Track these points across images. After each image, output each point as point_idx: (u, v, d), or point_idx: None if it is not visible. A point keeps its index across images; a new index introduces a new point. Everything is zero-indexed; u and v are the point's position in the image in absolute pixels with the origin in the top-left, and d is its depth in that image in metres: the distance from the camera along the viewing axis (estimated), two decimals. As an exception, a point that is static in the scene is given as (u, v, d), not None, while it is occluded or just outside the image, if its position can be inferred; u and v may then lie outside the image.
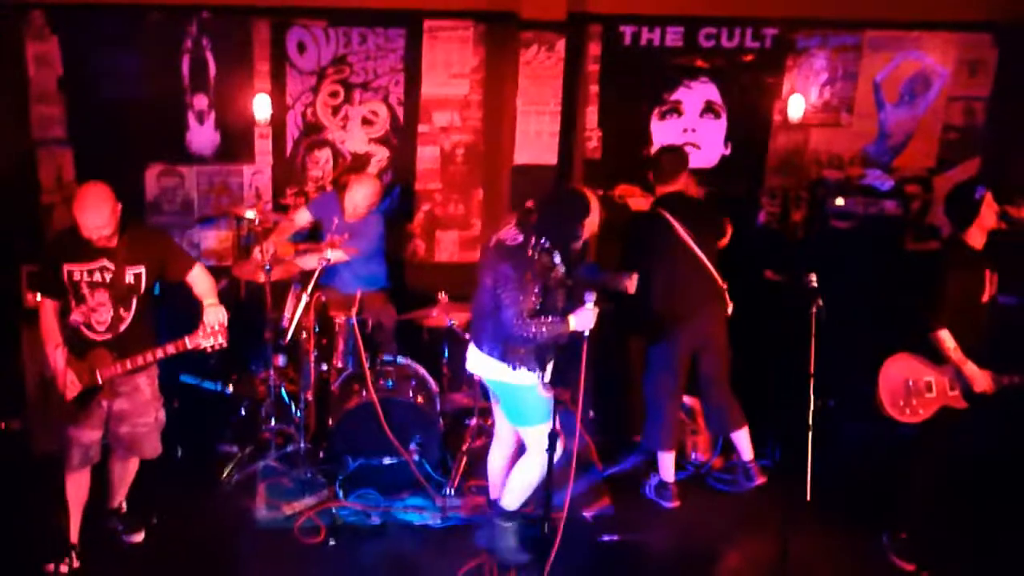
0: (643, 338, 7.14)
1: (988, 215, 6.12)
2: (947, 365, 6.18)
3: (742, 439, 7.15)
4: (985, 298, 6.19)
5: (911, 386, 6.30)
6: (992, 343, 6.27)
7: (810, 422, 5.95)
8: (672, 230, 6.77)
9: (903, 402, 6.30)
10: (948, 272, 6.14)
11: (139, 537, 6.36)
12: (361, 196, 7.41)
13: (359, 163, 8.28)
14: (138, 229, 5.92)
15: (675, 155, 7.01)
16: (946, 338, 6.12)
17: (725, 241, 7.04)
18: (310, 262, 7.03)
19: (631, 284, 6.60)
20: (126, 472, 6.29)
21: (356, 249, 7.25)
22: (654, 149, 8.45)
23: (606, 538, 6.73)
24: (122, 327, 5.84)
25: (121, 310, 5.81)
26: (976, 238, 6.16)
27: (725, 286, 6.86)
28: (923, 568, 6.50)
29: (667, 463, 7.12)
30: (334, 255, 7.02)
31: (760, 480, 7.18)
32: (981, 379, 6.14)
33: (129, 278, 5.79)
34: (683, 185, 6.95)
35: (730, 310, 6.89)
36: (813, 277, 6.22)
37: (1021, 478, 7.08)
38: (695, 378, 7.11)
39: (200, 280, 6.07)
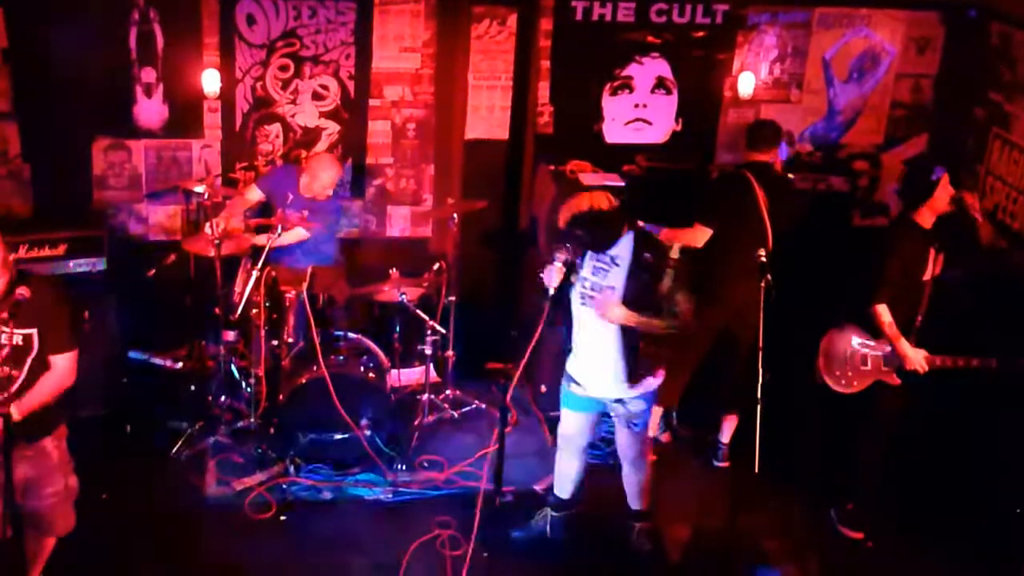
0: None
1: (942, 198, 6.17)
2: (885, 341, 6.26)
3: (729, 424, 7.27)
4: (927, 276, 6.27)
5: (848, 358, 6.39)
6: (933, 322, 6.35)
7: (759, 395, 6.01)
8: (754, 194, 6.80)
9: (839, 372, 6.41)
10: (893, 249, 6.22)
11: None
12: (328, 178, 7.38)
13: (310, 138, 8.23)
14: (38, 287, 4.99)
15: (772, 127, 7.07)
16: (883, 312, 6.20)
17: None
18: (270, 240, 6.95)
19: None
20: (40, 549, 5.53)
21: (319, 224, 7.22)
22: (604, 124, 8.50)
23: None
24: (13, 388, 5.01)
25: (12, 370, 5.00)
26: (926, 218, 6.23)
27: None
28: (869, 538, 6.61)
29: (653, 419, 7.20)
30: (291, 235, 7.02)
31: (725, 463, 7.26)
32: (914, 357, 6.21)
33: (17, 339, 4.97)
34: (771, 158, 7.00)
35: None
36: (762, 252, 6.28)
37: (960, 450, 7.18)
38: (721, 350, 7.12)
39: (55, 374, 5.09)
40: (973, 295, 7.22)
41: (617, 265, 5.78)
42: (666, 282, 5.68)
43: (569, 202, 5.77)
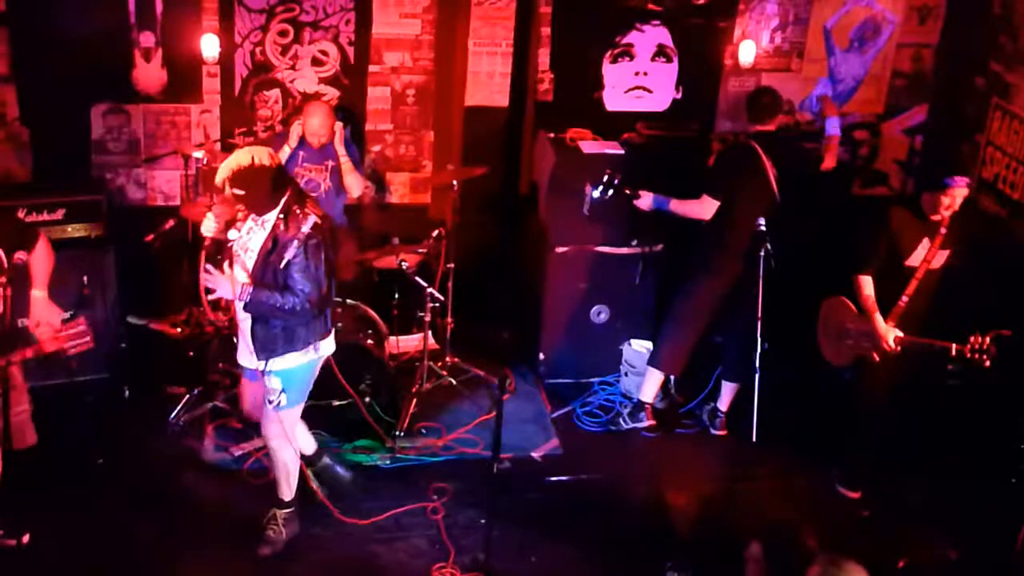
0: (699, 259, 7.08)
1: (937, 204, 6.07)
2: (866, 316, 6.24)
3: (729, 391, 7.26)
4: (912, 262, 6.22)
5: (833, 331, 6.43)
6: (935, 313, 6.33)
7: (757, 365, 6.03)
8: (762, 166, 6.77)
9: (825, 342, 6.45)
10: (883, 225, 6.22)
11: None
12: (318, 121, 7.31)
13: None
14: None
15: (773, 96, 7.00)
16: (864, 284, 6.20)
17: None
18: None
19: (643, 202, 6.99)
20: None
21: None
22: (604, 92, 8.47)
23: (553, 479, 6.80)
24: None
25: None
26: (928, 207, 6.15)
27: None
28: (866, 502, 6.64)
29: (653, 383, 7.24)
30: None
31: (722, 432, 7.28)
32: (884, 334, 6.17)
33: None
34: (775, 126, 6.97)
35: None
36: (761, 221, 6.29)
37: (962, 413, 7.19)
38: (725, 318, 7.10)
39: (40, 259, 5.44)
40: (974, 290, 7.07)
41: (260, 233, 5.47)
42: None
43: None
